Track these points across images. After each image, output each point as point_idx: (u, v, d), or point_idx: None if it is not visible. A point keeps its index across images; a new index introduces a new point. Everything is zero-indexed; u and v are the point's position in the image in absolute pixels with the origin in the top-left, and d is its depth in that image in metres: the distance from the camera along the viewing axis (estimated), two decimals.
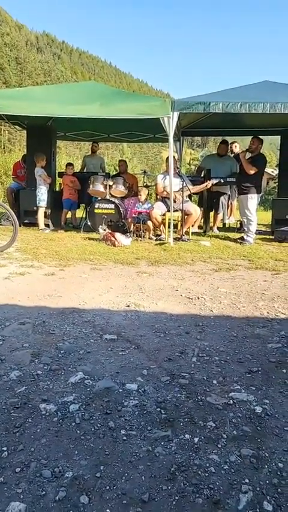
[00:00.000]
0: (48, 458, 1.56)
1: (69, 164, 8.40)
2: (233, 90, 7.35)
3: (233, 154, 8.91)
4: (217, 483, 1.45)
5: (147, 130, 9.65)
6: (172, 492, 1.41)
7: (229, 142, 8.70)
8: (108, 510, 1.33)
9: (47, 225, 7.83)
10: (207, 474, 1.49)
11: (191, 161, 21.11)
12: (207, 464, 1.54)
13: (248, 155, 6.66)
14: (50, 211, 7.92)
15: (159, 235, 7.10)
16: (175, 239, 6.50)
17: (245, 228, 6.74)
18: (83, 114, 6.64)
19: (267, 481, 1.46)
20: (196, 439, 1.68)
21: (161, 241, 6.61)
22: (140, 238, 6.85)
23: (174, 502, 1.37)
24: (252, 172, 6.46)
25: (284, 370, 2.29)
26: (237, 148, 9.10)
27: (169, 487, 1.43)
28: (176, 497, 1.38)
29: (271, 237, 7.17)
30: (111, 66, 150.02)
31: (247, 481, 1.46)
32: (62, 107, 6.65)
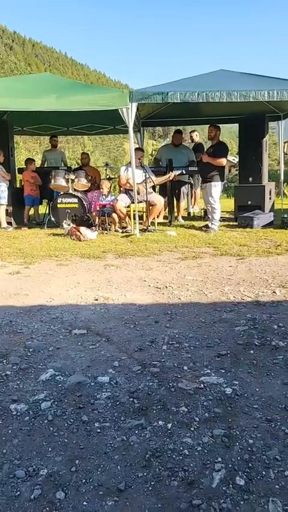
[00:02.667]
0: (22, 458, 1.54)
1: (30, 160, 8.20)
2: (190, 79, 7.41)
3: (193, 143, 8.99)
4: (191, 465, 1.48)
5: (107, 122, 9.56)
6: (148, 478, 1.43)
7: (189, 131, 8.76)
8: (85, 503, 1.33)
9: (9, 223, 7.64)
10: (181, 457, 1.52)
11: (153, 152, 21.13)
12: (181, 448, 1.56)
13: (210, 144, 6.73)
14: (11, 208, 7.73)
15: (125, 227, 7.09)
16: (141, 230, 6.52)
17: (210, 216, 6.84)
18: (40, 107, 6.48)
19: (239, 458, 1.50)
20: (169, 425, 1.71)
21: (127, 233, 6.61)
22: (105, 232, 6.82)
23: (150, 488, 1.39)
24: (224, 163, 6.57)
25: (252, 351, 2.36)
26: (197, 137, 9.19)
27: (145, 474, 1.45)
28: (152, 483, 1.40)
29: (235, 223, 7.31)
30: (66, 57, 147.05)
31: (220, 459, 1.50)
32: (17, 100, 6.47)
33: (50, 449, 1.59)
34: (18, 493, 1.38)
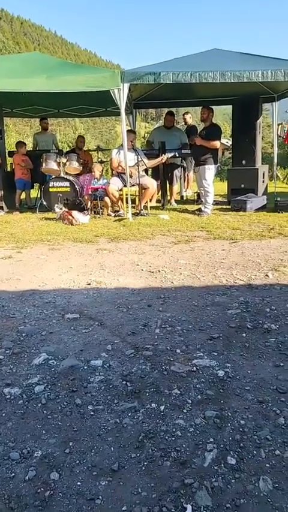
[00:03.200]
0: (16, 440, 1.56)
1: (21, 143, 8.07)
2: (183, 59, 7.26)
3: (186, 126, 8.89)
4: (183, 445, 1.50)
5: (99, 104, 9.41)
6: (141, 459, 1.45)
7: (182, 113, 8.65)
8: (79, 483, 1.35)
9: (0, 208, 7.56)
10: (174, 438, 1.54)
11: (146, 134, 20.89)
12: (174, 429, 1.59)
13: (203, 126, 6.66)
14: (2, 192, 7.63)
15: (118, 211, 7.04)
16: (134, 214, 6.49)
17: (203, 200, 6.81)
18: (30, 87, 6.33)
19: (230, 438, 1.53)
20: (162, 407, 1.72)
21: (120, 217, 6.57)
22: (98, 215, 6.77)
23: (143, 468, 1.41)
24: (218, 146, 6.50)
25: (244, 334, 2.38)
26: (190, 120, 9.08)
27: (138, 454, 1.47)
28: (145, 463, 1.43)
29: (228, 206, 7.30)
30: (56, 35, 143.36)
31: (212, 440, 1.52)
32: (6, 81, 6.31)
33: (44, 431, 1.60)
34: (13, 474, 1.40)
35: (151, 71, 6.10)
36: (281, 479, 1.34)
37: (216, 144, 6.49)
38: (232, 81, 5.93)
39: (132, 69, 6.37)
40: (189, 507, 1.24)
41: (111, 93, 6.11)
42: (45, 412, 1.72)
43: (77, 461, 1.45)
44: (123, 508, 1.25)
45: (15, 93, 6.66)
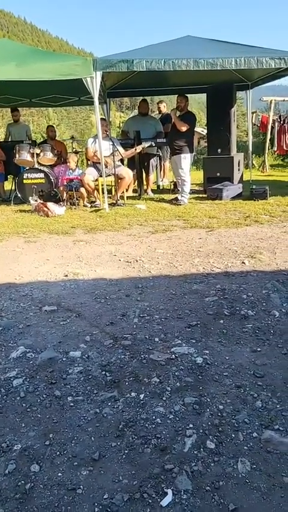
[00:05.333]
0: None
1: None
2: (156, 46, 7.18)
3: (161, 115, 8.84)
4: (163, 432, 1.52)
5: (71, 93, 9.21)
6: (121, 447, 1.46)
7: (157, 102, 8.59)
8: (59, 474, 1.35)
9: None
10: (153, 426, 1.55)
11: (121, 124, 20.70)
12: (154, 417, 1.60)
13: (178, 113, 6.64)
14: None
15: (94, 201, 6.97)
16: (110, 205, 6.44)
17: (179, 189, 6.81)
18: None
19: (209, 423, 1.55)
20: (142, 396, 1.74)
21: (96, 208, 6.51)
22: (74, 207, 6.69)
23: (124, 456, 1.42)
24: (184, 129, 6.46)
25: (221, 321, 2.41)
26: (165, 109, 9.03)
27: (118, 443, 1.48)
28: (126, 451, 1.44)
29: (204, 195, 7.32)
30: (26, 22, 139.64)
31: (191, 425, 1.54)
32: None
33: (23, 424, 1.59)
34: None
35: (124, 58, 6.00)
36: (258, 461, 1.37)
37: (184, 126, 6.46)
38: (206, 68, 5.90)
39: (105, 57, 6.26)
40: (169, 492, 1.25)
41: (84, 81, 5.99)
42: (24, 405, 1.71)
43: (58, 453, 1.44)
44: (104, 496, 1.26)
45: None
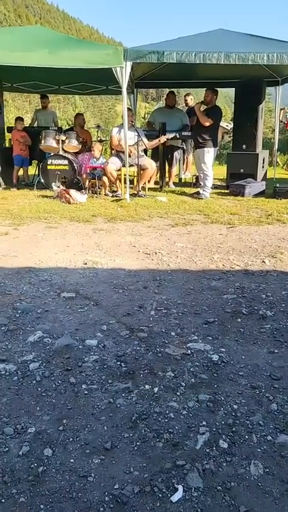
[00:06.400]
0: (10, 416, 1.56)
1: (19, 119, 7.90)
2: (187, 38, 7.08)
3: (187, 108, 8.74)
4: (176, 427, 1.52)
5: (100, 82, 9.19)
6: (134, 439, 1.46)
7: (183, 94, 8.49)
8: (72, 460, 1.37)
9: None
10: (166, 420, 1.55)
11: (146, 115, 20.57)
12: (167, 411, 1.60)
13: (203, 108, 6.55)
14: (0, 168, 7.51)
15: (116, 191, 6.97)
16: (131, 195, 6.42)
17: (201, 183, 6.75)
18: (31, 62, 6.15)
19: (223, 422, 1.54)
20: (156, 389, 1.73)
21: (118, 198, 6.51)
22: (95, 195, 6.70)
23: (136, 448, 1.42)
24: (207, 124, 6.38)
25: (239, 320, 2.39)
26: (192, 101, 8.92)
27: (131, 435, 1.48)
28: (138, 443, 1.44)
29: (226, 191, 7.25)
30: (58, 10, 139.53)
31: (204, 423, 1.54)
32: (6, 54, 6.12)
33: (38, 408, 1.61)
34: (7, 449, 1.41)
35: (154, 50, 5.94)
36: (271, 464, 1.36)
37: (208, 122, 6.36)
38: (236, 63, 5.79)
39: (136, 47, 6.20)
40: (180, 488, 1.25)
41: (114, 71, 5.96)
42: (39, 389, 1.73)
43: (71, 439, 1.46)
44: (115, 486, 1.27)
45: (15, 67, 6.48)
